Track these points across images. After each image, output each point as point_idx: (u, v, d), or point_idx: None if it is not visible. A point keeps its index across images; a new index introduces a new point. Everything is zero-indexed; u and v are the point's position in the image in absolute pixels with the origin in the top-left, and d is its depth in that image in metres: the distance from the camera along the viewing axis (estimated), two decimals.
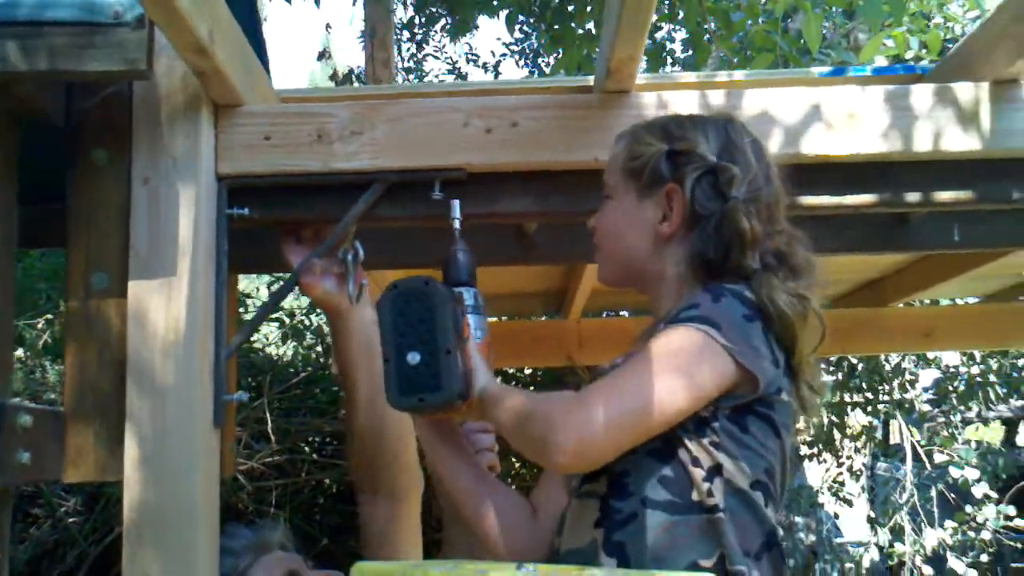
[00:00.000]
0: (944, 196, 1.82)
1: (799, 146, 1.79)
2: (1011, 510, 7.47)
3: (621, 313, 5.64)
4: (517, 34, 8.87)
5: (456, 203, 1.78)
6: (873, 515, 7.93)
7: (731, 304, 1.40)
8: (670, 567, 1.34)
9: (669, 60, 5.86)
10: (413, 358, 1.45)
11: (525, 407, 1.42)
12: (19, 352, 4.53)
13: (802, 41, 4.68)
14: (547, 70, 7.92)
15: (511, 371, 6.57)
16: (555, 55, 5.19)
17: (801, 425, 6.61)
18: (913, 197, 1.83)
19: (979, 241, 2.23)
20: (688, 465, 1.37)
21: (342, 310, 1.88)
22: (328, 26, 9.29)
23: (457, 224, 1.78)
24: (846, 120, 1.80)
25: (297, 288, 1.83)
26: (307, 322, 6.27)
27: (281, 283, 2.02)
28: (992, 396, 7.24)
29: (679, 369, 1.33)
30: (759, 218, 1.47)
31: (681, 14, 4.68)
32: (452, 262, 1.73)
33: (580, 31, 4.88)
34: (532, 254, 2.29)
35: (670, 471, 1.37)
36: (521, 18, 5.70)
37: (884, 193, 1.86)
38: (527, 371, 6.52)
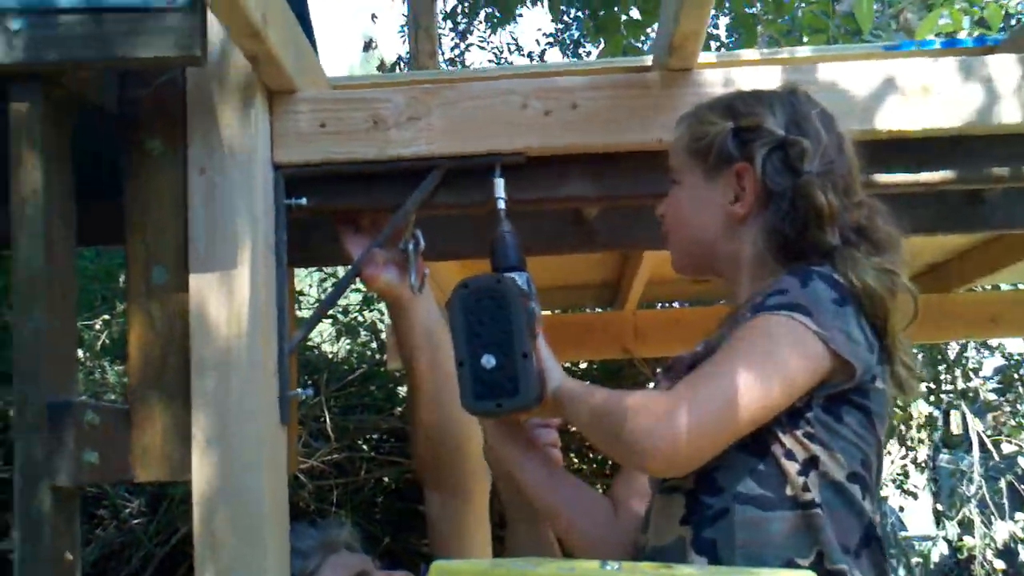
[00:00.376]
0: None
1: (872, 122, 1.72)
2: None
3: (675, 304, 5.57)
4: (558, 24, 8.82)
5: (500, 182, 1.73)
6: (940, 508, 7.76)
7: (820, 288, 1.33)
8: (764, 565, 1.28)
9: (714, 46, 5.77)
10: (488, 361, 1.40)
11: (609, 407, 1.36)
12: (78, 353, 4.57)
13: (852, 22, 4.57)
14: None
15: (566, 365, 6.52)
16: (598, 44, 5.12)
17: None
18: (994, 172, 1.75)
19: None
20: (781, 458, 1.31)
21: (404, 301, 1.84)
22: (374, 16, 9.29)
23: (502, 204, 1.73)
24: (920, 93, 1.72)
25: (358, 279, 1.79)
26: (361, 318, 6.28)
27: (334, 279, 1.99)
28: None
29: (771, 361, 1.27)
30: (835, 191, 1.40)
31: None
32: (500, 245, 1.68)
33: (624, 17, 4.81)
34: (592, 241, 2.24)
35: (762, 465, 1.32)
36: (563, 7, 5.64)
37: (962, 169, 1.78)
38: (582, 365, 6.47)
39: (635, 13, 4.82)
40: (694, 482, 1.36)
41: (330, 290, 2.05)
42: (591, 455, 5.25)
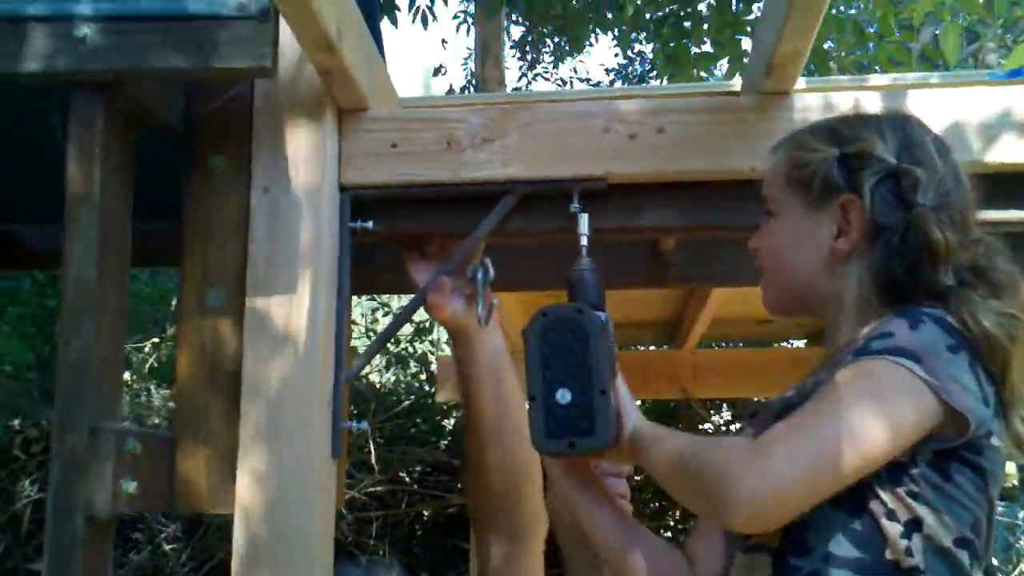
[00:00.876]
0: None
1: (983, 153, 1.60)
2: None
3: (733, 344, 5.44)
4: (621, 59, 8.76)
5: (585, 216, 1.62)
6: (995, 563, 7.47)
7: (932, 332, 1.19)
8: None
9: None
10: (563, 396, 1.28)
11: (692, 454, 1.24)
12: (125, 375, 4.54)
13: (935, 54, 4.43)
14: None
15: None
16: (666, 77, 5.03)
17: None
18: None
19: None
20: (881, 518, 1.17)
21: (470, 332, 1.73)
22: (444, 41, 9.25)
23: (584, 240, 1.63)
24: None
25: (423, 308, 1.69)
26: (411, 349, 6.20)
27: (385, 308, 1.88)
28: None
29: (875, 410, 1.14)
30: (951, 226, 1.27)
31: None
32: (580, 282, 1.57)
33: (696, 50, 4.72)
34: (666, 275, 2.13)
35: (858, 524, 1.18)
36: (633, 38, 5.57)
37: None
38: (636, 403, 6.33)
39: (707, 47, 4.73)
40: (781, 540, 1.23)
41: (388, 320, 1.94)
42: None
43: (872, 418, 1.13)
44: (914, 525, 1.16)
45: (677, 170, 1.64)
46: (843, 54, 4.50)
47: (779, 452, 1.14)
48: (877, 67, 4.16)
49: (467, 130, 1.67)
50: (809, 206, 1.33)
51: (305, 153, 1.62)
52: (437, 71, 8.58)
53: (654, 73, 8.43)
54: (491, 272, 1.71)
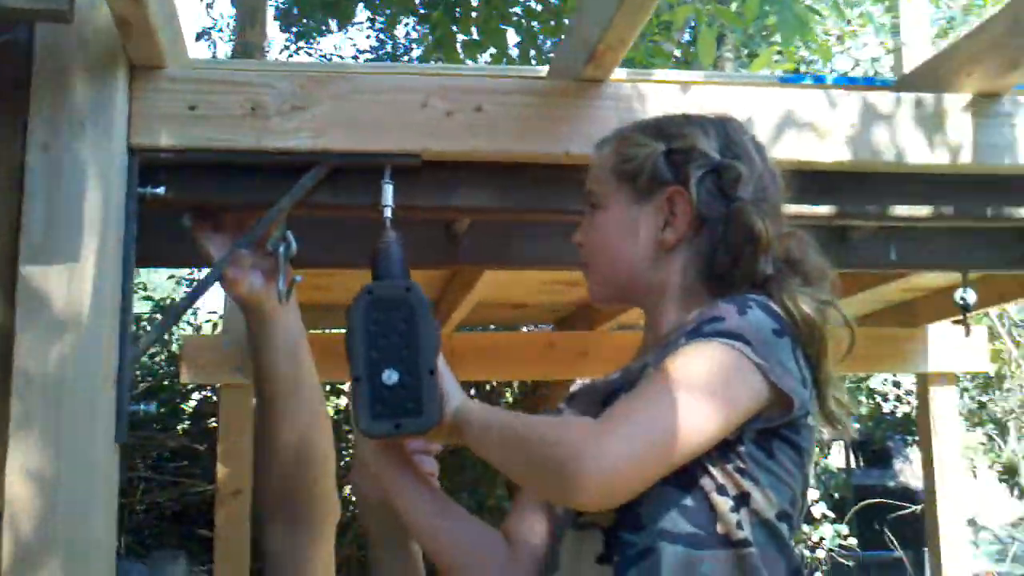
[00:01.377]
0: (920, 211, 1.75)
1: (776, 151, 1.68)
2: (845, 529, 7.72)
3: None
4: (373, 41, 8.63)
5: (389, 187, 1.58)
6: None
7: (759, 317, 1.24)
8: None
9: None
10: (390, 377, 1.23)
11: (531, 434, 1.22)
12: None
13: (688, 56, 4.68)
14: None
15: None
16: (434, 61, 5.01)
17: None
18: (877, 210, 1.75)
19: (915, 261, 2.19)
20: (712, 493, 1.20)
21: (267, 310, 1.63)
22: (210, 5, 8.60)
23: (389, 212, 1.58)
24: (825, 126, 1.70)
25: (219, 282, 1.57)
26: (148, 327, 5.84)
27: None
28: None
29: (712, 390, 1.17)
30: (770, 219, 1.33)
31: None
32: (385, 256, 1.51)
33: (463, 37, 4.72)
34: (459, 255, 2.10)
35: (690, 500, 1.21)
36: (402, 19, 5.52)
37: (850, 205, 1.78)
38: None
39: (475, 34, 4.75)
40: (614, 518, 1.24)
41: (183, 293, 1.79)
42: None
43: (709, 398, 1.16)
44: (742, 499, 1.20)
45: (493, 150, 1.61)
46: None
47: (624, 431, 1.15)
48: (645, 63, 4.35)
49: (275, 96, 1.56)
50: (635, 198, 1.35)
51: (93, 109, 1.46)
52: (200, 36, 8.09)
53: (414, 57, 8.40)
54: (293, 246, 1.61)
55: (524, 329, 5.82)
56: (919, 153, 1.70)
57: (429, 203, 1.65)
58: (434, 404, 1.24)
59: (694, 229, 1.34)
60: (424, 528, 1.39)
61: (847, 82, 1.99)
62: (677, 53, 4.64)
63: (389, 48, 8.60)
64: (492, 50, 4.93)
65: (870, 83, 1.97)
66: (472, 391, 6.48)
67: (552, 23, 4.89)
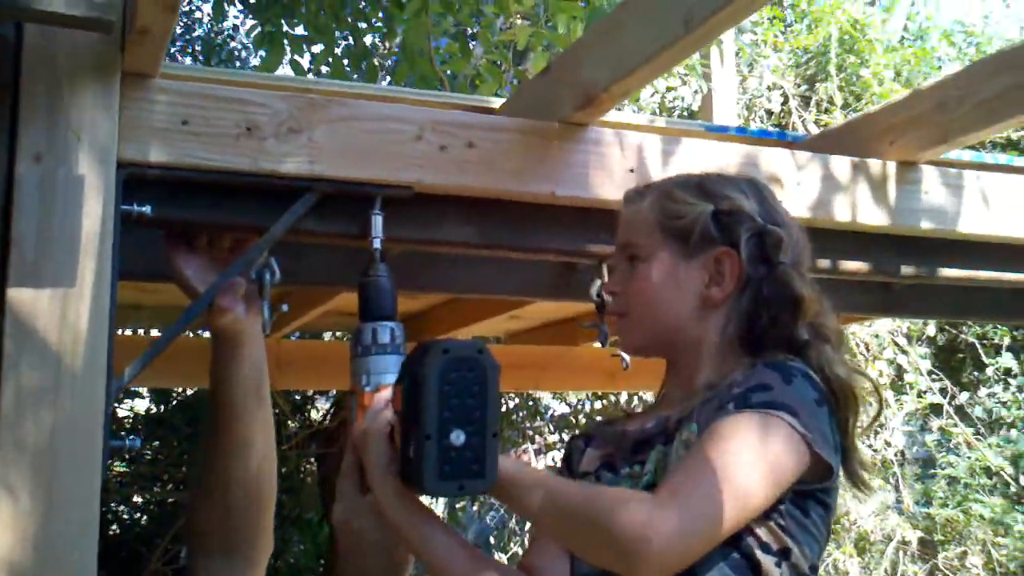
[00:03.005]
0: (848, 266, 1.92)
1: None
2: None
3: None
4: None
5: (379, 219, 1.57)
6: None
7: (803, 387, 1.31)
8: None
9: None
10: (458, 438, 1.22)
11: (582, 503, 1.24)
12: None
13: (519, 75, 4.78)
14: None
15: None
16: (259, 53, 4.83)
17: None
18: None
19: None
20: (756, 550, 1.27)
21: (243, 339, 1.56)
22: None
23: (378, 244, 1.57)
24: (789, 182, 1.82)
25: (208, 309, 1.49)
26: None
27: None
28: None
29: (762, 462, 1.22)
30: (808, 284, 1.41)
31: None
32: (375, 291, 1.51)
33: (290, 32, 4.60)
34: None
35: (737, 554, 1.27)
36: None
37: None
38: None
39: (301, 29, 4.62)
40: None
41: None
42: None
43: (760, 470, 1.23)
44: (783, 555, 1.28)
45: (483, 187, 1.63)
46: (447, 59, 4.69)
47: (686, 509, 1.18)
48: (478, 81, 4.41)
49: (270, 117, 1.51)
50: (683, 255, 1.40)
51: (90, 119, 1.35)
52: None
53: (242, 44, 8.05)
54: (278, 274, 1.56)
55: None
56: (849, 212, 1.87)
57: (415, 235, 1.64)
58: (495, 466, 1.25)
59: (739, 289, 1.41)
60: (452, 571, 1.38)
61: (763, 135, 2.14)
62: (510, 72, 4.72)
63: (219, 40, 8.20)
64: (317, 48, 4.83)
65: (783, 138, 2.12)
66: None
67: (385, 30, 4.85)
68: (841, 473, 1.37)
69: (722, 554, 1.26)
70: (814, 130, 6.66)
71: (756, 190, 1.45)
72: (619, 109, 1.97)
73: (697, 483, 1.21)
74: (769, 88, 7.69)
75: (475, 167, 1.61)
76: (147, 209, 1.45)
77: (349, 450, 1.33)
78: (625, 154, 1.71)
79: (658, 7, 1.42)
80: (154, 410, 6.35)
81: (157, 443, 6.00)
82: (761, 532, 1.28)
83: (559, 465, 1.57)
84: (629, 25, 1.49)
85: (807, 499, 1.31)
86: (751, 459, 1.23)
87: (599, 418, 7.26)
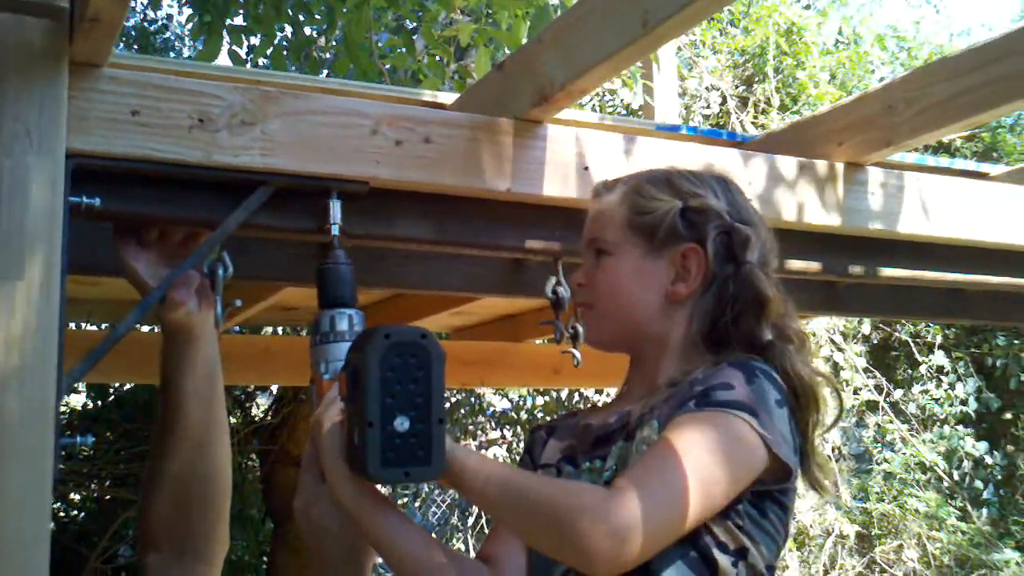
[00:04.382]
0: (794, 265, 1.95)
1: None
2: None
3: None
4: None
5: (337, 204, 1.56)
6: None
7: (765, 387, 1.31)
8: None
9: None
10: (402, 424, 1.21)
11: (536, 494, 1.23)
12: None
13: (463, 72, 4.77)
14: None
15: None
16: (198, 41, 4.75)
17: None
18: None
19: None
20: (713, 549, 1.27)
21: (196, 333, 1.54)
22: None
23: (337, 230, 1.55)
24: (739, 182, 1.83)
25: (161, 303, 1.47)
26: None
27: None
28: None
29: (720, 460, 1.23)
30: (773, 285, 1.42)
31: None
32: (334, 277, 1.50)
33: (229, 22, 4.54)
34: None
35: (694, 553, 1.28)
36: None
37: None
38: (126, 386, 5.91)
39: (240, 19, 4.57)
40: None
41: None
42: None
43: (718, 468, 1.23)
44: (740, 554, 1.29)
45: (439, 183, 1.62)
46: (388, 53, 4.66)
47: (641, 504, 1.18)
48: (421, 76, 4.39)
49: (224, 109, 1.48)
50: (649, 250, 1.41)
51: (37, 108, 1.32)
52: None
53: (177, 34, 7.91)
54: (230, 268, 1.55)
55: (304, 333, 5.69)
56: (797, 212, 1.90)
57: (369, 231, 1.63)
58: (442, 453, 1.24)
59: (704, 286, 1.41)
60: (407, 563, 1.38)
61: (714, 135, 2.16)
62: (452, 67, 4.70)
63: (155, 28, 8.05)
64: (256, 39, 4.79)
65: (732, 138, 2.15)
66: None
67: (325, 24, 4.80)
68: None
69: (679, 552, 1.27)
70: (752, 130, 6.76)
71: (725, 188, 1.45)
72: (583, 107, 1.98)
73: (653, 479, 1.22)
74: (708, 89, 7.78)
75: (431, 163, 1.61)
76: (96, 201, 1.42)
77: (309, 442, 1.32)
78: (580, 152, 1.72)
79: (616, 6, 1.43)
80: (91, 405, 6.23)
81: (94, 439, 5.88)
82: (719, 531, 1.28)
83: (521, 455, 1.56)
84: (587, 23, 1.49)
85: (765, 499, 1.32)
86: (709, 457, 1.23)
87: (543, 415, 7.32)
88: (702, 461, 1.22)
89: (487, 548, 1.46)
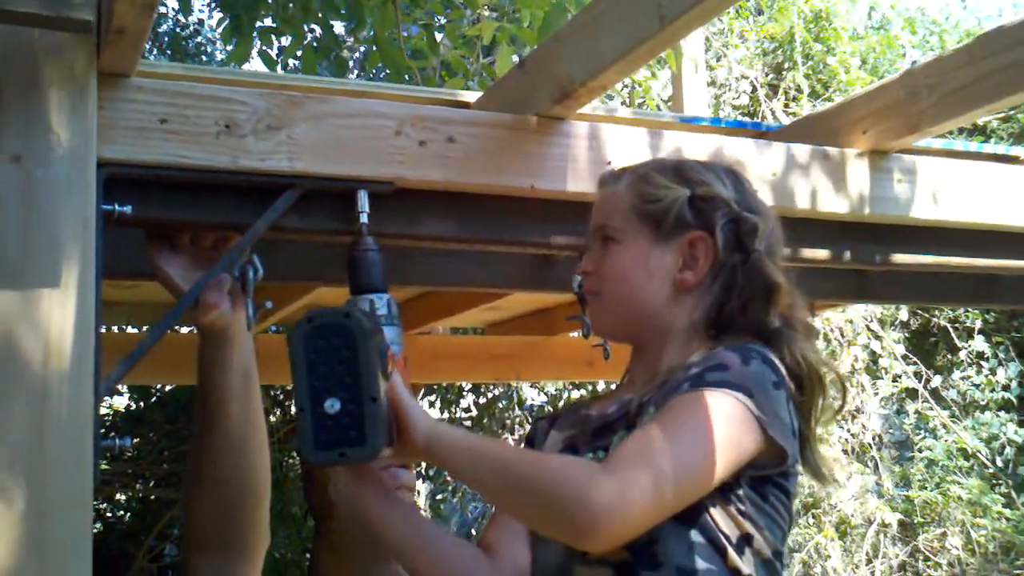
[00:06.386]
0: (821, 254, 1.95)
1: None
2: None
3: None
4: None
5: (364, 194, 1.57)
6: None
7: (761, 368, 1.31)
8: None
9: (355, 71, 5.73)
10: (332, 406, 1.22)
11: (526, 468, 1.24)
12: None
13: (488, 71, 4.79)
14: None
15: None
16: (230, 44, 4.80)
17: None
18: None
19: None
20: (716, 533, 1.29)
21: (229, 336, 1.57)
22: None
23: (365, 219, 1.57)
24: (758, 172, 1.84)
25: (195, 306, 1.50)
26: None
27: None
28: None
29: (714, 439, 1.23)
30: (782, 273, 1.42)
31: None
32: (362, 264, 1.53)
33: (259, 24, 4.59)
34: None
35: (702, 538, 1.28)
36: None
37: None
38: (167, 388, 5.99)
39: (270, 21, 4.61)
40: (630, 555, 1.29)
41: None
42: None
43: (711, 445, 1.23)
44: (745, 540, 1.29)
45: (464, 181, 1.64)
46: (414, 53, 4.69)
47: (633, 477, 1.19)
48: (445, 74, 4.41)
49: (249, 114, 1.51)
50: (657, 238, 1.41)
51: (67, 118, 1.35)
52: None
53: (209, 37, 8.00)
54: (261, 271, 1.57)
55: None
56: (822, 201, 1.89)
57: (395, 230, 1.65)
58: (377, 432, 1.24)
59: (711, 274, 1.42)
60: (404, 549, 1.39)
61: (738, 126, 2.16)
62: (478, 65, 4.73)
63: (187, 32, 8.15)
64: (286, 40, 4.83)
65: (757, 128, 2.15)
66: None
67: (354, 22, 4.83)
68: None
69: (688, 538, 1.27)
70: (782, 118, 6.72)
71: (733, 177, 1.46)
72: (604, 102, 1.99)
73: (643, 454, 1.22)
74: (737, 79, 7.73)
75: (455, 162, 1.63)
76: (128, 209, 1.45)
77: None
78: (602, 147, 1.73)
79: (633, 2, 1.44)
80: (133, 407, 6.33)
81: (137, 440, 5.98)
82: (717, 514, 1.28)
83: (522, 446, 1.58)
84: (605, 20, 1.50)
85: (765, 484, 1.32)
86: (700, 434, 1.23)
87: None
88: (692, 438, 1.23)
89: (487, 534, 1.47)
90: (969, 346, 7.78)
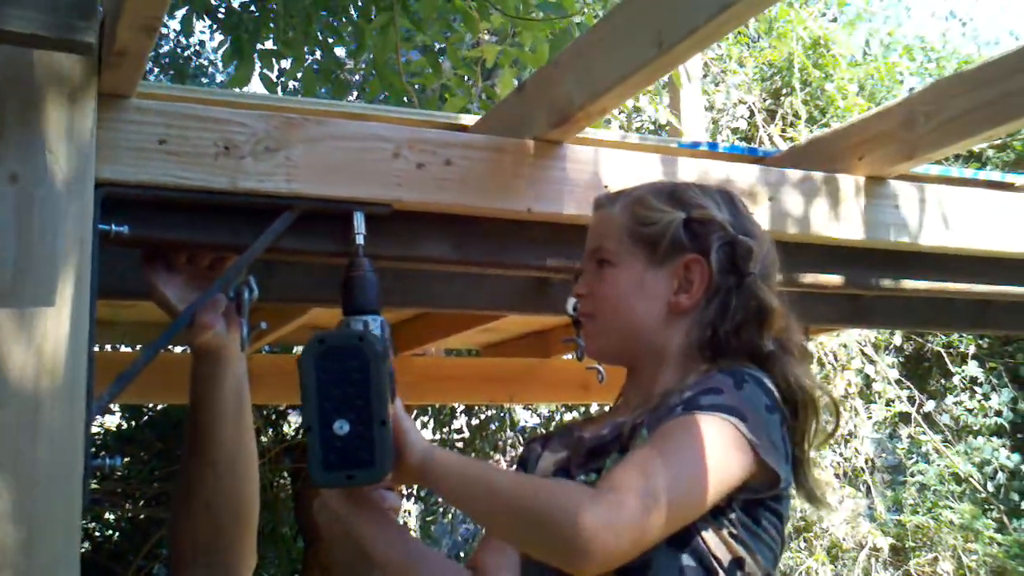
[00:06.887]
0: (817, 279, 1.95)
1: None
2: None
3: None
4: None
5: (360, 216, 1.57)
6: None
7: (754, 393, 1.31)
8: None
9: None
10: (341, 427, 1.22)
11: (520, 492, 1.24)
12: None
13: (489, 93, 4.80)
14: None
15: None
16: (231, 66, 4.81)
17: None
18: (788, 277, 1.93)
19: None
20: (707, 556, 1.28)
21: (224, 355, 1.56)
22: None
23: (361, 240, 1.57)
24: (759, 197, 1.85)
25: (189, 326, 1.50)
26: None
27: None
28: None
29: (706, 463, 1.22)
30: (776, 296, 1.42)
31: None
32: (357, 285, 1.52)
33: (260, 46, 4.60)
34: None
35: (692, 561, 1.27)
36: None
37: None
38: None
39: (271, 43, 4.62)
40: None
41: None
42: None
43: (704, 470, 1.22)
44: (737, 564, 1.29)
45: (461, 204, 1.64)
46: (416, 73, 4.72)
47: (625, 501, 1.18)
48: (447, 95, 4.42)
49: (248, 136, 1.51)
50: (652, 261, 1.41)
51: (66, 139, 1.35)
52: None
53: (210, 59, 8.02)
54: (256, 291, 1.57)
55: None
56: (820, 226, 1.90)
57: (393, 252, 1.65)
58: (386, 454, 1.24)
59: (706, 298, 1.42)
60: (397, 569, 1.39)
61: (735, 151, 2.17)
62: (479, 87, 4.74)
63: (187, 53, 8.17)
64: (287, 62, 4.85)
65: (754, 154, 2.15)
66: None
67: (355, 45, 4.85)
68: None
69: (680, 563, 1.27)
70: (780, 143, 6.74)
71: (728, 200, 1.46)
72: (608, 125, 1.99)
73: (636, 478, 1.21)
74: (735, 104, 7.76)
75: (453, 185, 1.63)
76: (124, 229, 1.45)
77: None
78: (599, 171, 1.73)
79: (631, 29, 1.44)
80: (125, 426, 6.30)
81: (128, 459, 5.95)
82: (709, 538, 1.28)
83: (515, 469, 1.57)
84: (603, 45, 1.51)
85: (757, 507, 1.31)
86: (693, 458, 1.23)
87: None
88: (684, 462, 1.23)
89: (478, 557, 1.47)
90: (963, 371, 7.78)
